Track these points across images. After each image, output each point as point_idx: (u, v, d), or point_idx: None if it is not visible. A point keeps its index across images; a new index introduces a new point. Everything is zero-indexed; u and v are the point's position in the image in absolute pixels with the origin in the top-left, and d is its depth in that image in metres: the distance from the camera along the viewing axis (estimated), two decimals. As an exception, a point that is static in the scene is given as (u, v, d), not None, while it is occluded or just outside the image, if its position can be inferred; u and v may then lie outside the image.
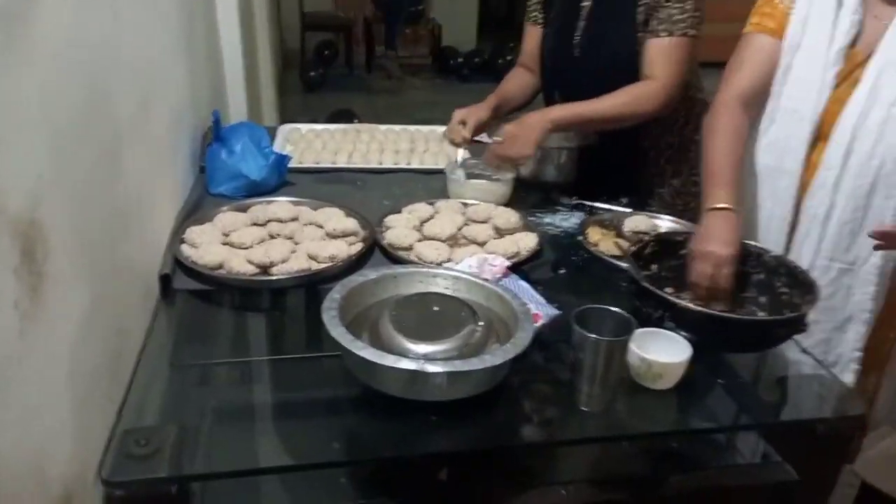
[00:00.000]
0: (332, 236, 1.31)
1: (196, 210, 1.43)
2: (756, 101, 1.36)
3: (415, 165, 1.76)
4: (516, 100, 1.78)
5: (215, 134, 1.53)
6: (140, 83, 1.16)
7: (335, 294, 1.02)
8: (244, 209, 1.42)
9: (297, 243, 1.32)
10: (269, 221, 1.39)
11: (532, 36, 1.77)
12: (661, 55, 1.51)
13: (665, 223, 1.50)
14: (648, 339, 1.01)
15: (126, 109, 1.07)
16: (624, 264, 1.21)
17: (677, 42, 1.50)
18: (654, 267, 1.25)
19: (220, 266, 1.20)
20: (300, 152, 1.76)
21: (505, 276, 1.16)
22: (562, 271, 1.32)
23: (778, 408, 1.06)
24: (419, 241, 1.33)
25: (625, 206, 1.60)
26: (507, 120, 1.65)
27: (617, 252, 1.35)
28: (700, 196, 1.32)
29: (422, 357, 0.93)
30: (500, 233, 1.39)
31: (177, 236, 1.28)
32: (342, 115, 4.83)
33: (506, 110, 1.77)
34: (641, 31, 1.52)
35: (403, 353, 0.93)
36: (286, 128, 1.96)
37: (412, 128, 2.02)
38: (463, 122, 1.62)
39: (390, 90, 6.89)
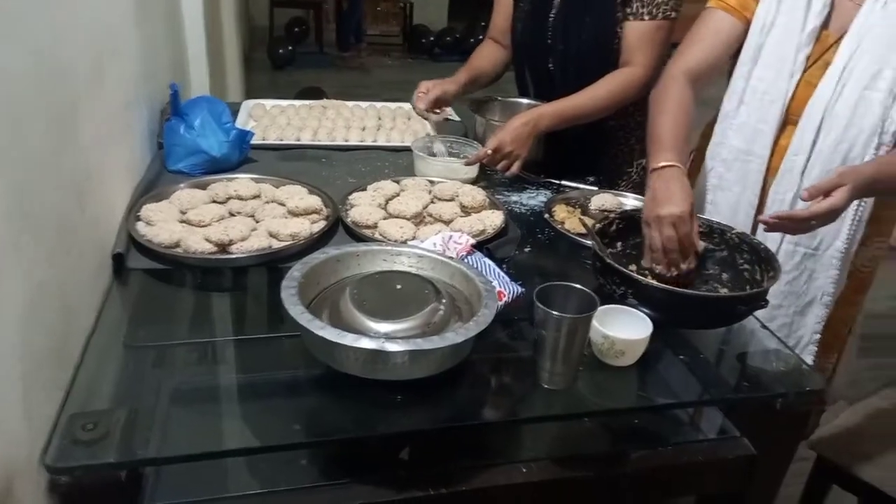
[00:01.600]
0: (295, 214, 1.28)
1: (153, 187, 1.39)
2: (704, 78, 1.35)
3: (381, 143, 1.74)
4: (487, 75, 1.76)
5: (174, 108, 1.49)
6: (95, 49, 1.12)
7: (295, 272, 0.99)
8: (203, 186, 1.38)
9: (258, 221, 1.29)
10: (229, 199, 1.35)
11: (503, 9, 1.74)
12: (642, 39, 1.49)
13: (631, 202, 1.50)
14: (611, 316, 1.00)
15: (79, 77, 1.02)
16: (588, 241, 1.20)
17: (659, 25, 1.48)
18: (618, 245, 1.25)
19: (177, 245, 1.17)
20: (263, 128, 1.72)
21: (469, 253, 1.14)
22: (527, 249, 1.31)
23: (738, 383, 1.06)
24: (384, 219, 1.30)
25: (591, 185, 1.59)
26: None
27: (582, 230, 1.34)
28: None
29: (383, 336, 0.91)
30: (466, 211, 1.38)
31: (132, 214, 1.24)
32: (311, 93, 4.75)
33: (477, 86, 1.75)
34: (620, 12, 1.50)
35: (364, 333, 0.91)
36: (250, 103, 1.91)
37: (379, 104, 1.99)
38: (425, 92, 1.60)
39: (360, 68, 6.80)
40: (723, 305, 1.08)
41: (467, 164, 1.50)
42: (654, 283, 1.07)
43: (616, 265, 1.06)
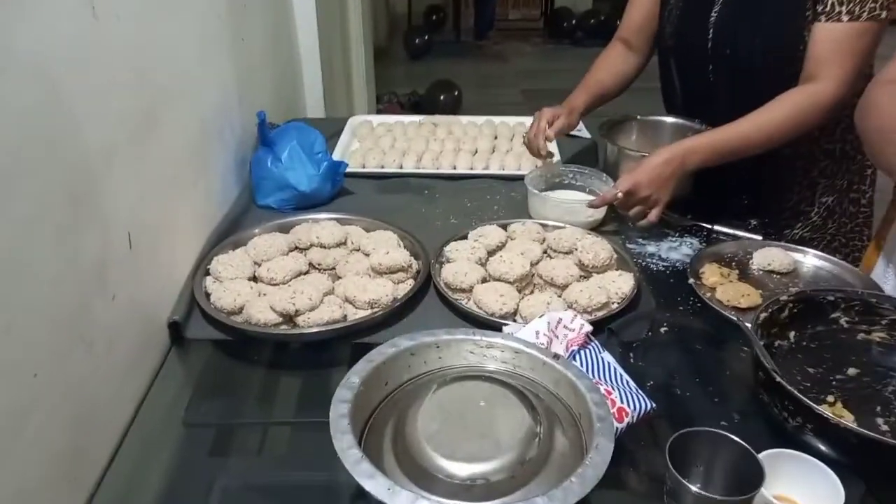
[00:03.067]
0: (378, 272, 1.09)
1: (235, 227, 1.25)
2: None
3: (493, 170, 1.50)
4: (609, 92, 1.47)
5: (262, 138, 1.34)
6: (143, 92, 0.97)
7: (353, 378, 0.79)
8: (286, 229, 1.22)
9: (338, 277, 1.11)
10: (311, 246, 1.18)
11: (642, 4, 1.43)
12: (836, 47, 1.13)
13: (811, 260, 1.15)
14: (778, 465, 0.71)
15: (104, 132, 0.87)
16: (748, 324, 0.90)
17: (862, 28, 1.12)
18: (791, 334, 0.94)
19: (242, 310, 1.01)
20: (364, 152, 1.54)
21: (584, 345, 0.89)
22: (664, 329, 1.03)
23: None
24: (482, 281, 1.07)
25: (754, 231, 1.26)
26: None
27: (742, 304, 1.03)
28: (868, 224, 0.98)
29: (458, 481, 0.69)
30: (587, 271, 1.11)
31: (202, 266, 1.10)
32: (443, 87, 4.60)
33: (596, 106, 1.46)
34: (810, 11, 1.15)
35: (431, 473, 0.69)
36: (356, 121, 1.74)
37: (497, 119, 1.75)
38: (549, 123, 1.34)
39: (497, 56, 6.55)
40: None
41: (591, 206, 1.23)
42: (852, 426, 0.75)
43: (790, 388, 0.76)
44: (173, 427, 0.91)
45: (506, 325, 0.98)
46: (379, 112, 3.69)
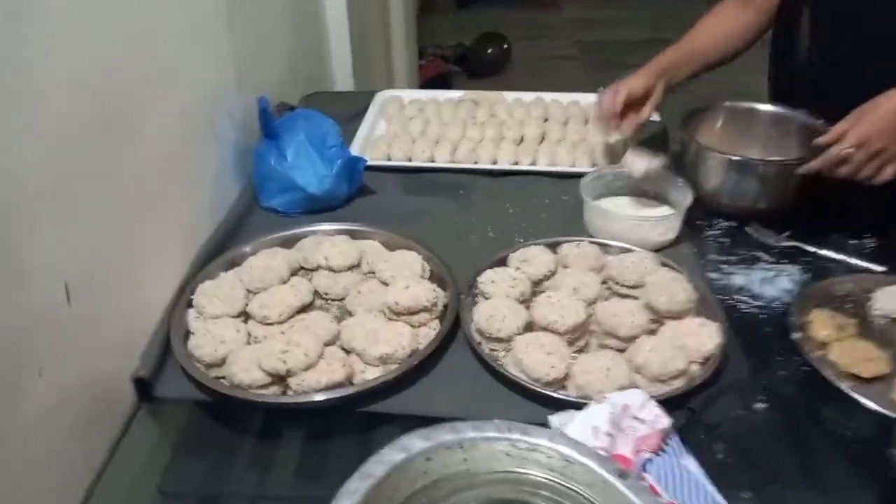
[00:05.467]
0: (396, 312, 0.87)
1: (230, 240, 1.05)
2: None
3: (542, 166, 1.25)
4: (710, 60, 1.19)
5: (264, 129, 1.12)
6: (104, 92, 0.76)
7: (353, 484, 0.59)
8: (291, 242, 1.02)
9: (348, 312, 0.90)
10: (318, 268, 0.97)
11: None
12: None
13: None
14: None
15: (35, 152, 0.67)
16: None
17: None
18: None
19: (223, 362, 0.82)
20: (391, 138, 1.31)
21: (658, 450, 0.67)
22: (760, 405, 0.79)
23: None
24: (525, 328, 0.85)
25: (875, 257, 1.00)
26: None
27: (863, 372, 0.79)
28: None
29: None
30: (659, 316, 0.88)
31: (184, 295, 0.91)
32: (491, 39, 4.27)
33: (694, 76, 1.19)
34: None
35: None
36: (384, 96, 1.50)
37: (548, 97, 1.48)
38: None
39: (551, 4, 6.12)
40: None
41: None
42: None
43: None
44: (147, 498, 0.74)
45: (552, 395, 0.76)
46: (421, 69, 3.42)
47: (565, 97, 1.48)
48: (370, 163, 1.22)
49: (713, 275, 0.99)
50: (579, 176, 1.18)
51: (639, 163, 1.09)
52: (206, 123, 1.06)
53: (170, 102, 0.93)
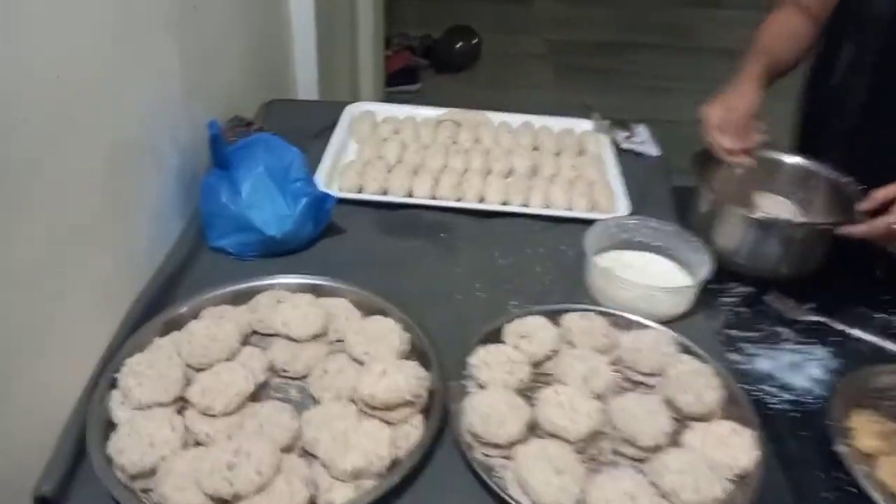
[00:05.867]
0: (371, 406, 0.72)
1: (168, 294, 0.87)
2: None
3: (535, 207, 1.10)
4: (783, 67, 1.08)
5: (215, 158, 0.94)
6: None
7: None
8: (243, 298, 0.85)
9: (313, 399, 0.75)
10: (276, 335, 0.81)
11: None
12: None
13: None
14: None
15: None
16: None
17: None
18: None
19: (153, 472, 0.65)
20: (363, 166, 1.14)
21: None
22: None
23: None
24: (527, 433, 0.70)
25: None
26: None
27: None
28: None
29: None
30: (681, 417, 0.74)
31: (105, 377, 0.73)
32: (461, 33, 4.10)
33: (770, 83, 1.06)
34: None
35: None
36: (355, 111, 1.33)
37: (537, 122, 1.33)
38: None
39: (520, -2, 5.97)
40: None
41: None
42: None
43: None
44: None
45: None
46: (388, 60, 3.23)
47: (554, 122, 1.34)
48: (340, 195, 1.06)
49: (735, 356, 0.87)
50: (576, 221, 1.06)
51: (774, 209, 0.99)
52: (142, 149, 0.87)
53: (92, 127, 0.74)
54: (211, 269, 0.94)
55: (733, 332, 0.91)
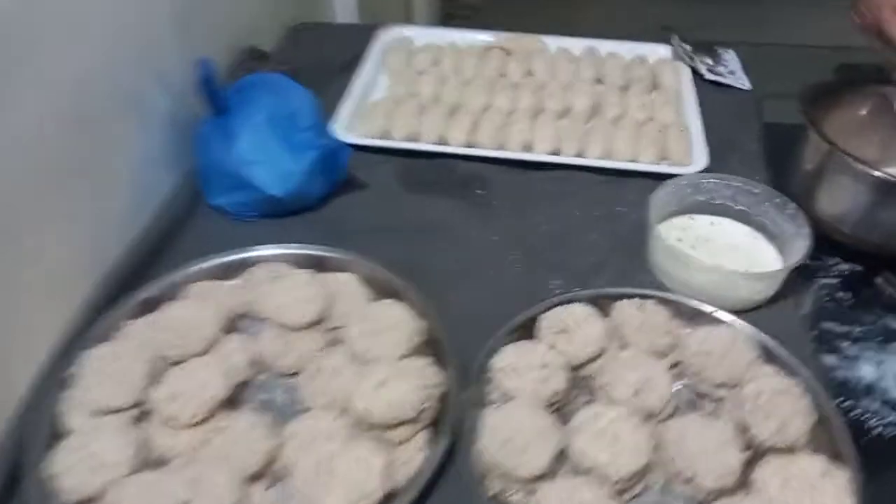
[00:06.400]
0: (368, 422, 0.59)
1: (150, 265, 0.76)
2: None
3: (592, 159, 0.92)
4: None
5: (212, 102, 0.79)
6: None
7: None
8: (235, 271, 0.73)
9: (306, 410, 0.62)
10: (266, 319, 0.69)
11: None
12: None
13: None
14: None
15: None
16: None
17: None
18: None
19: (100, 496, 0.55)
20: (391, 107, 0.98)
21: None
22: None
23: None
24: (556, 464, 0.56)
25: None
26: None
27: None
28: None
29: None
30: (758, 446, 0.58)
31: (55, 373, 0.62)
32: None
33: None
34: None
35: None
36: (387, 36, 1.15)
37: (605, 46, 1.12)
38: None
39: None
40: None
41: None
42: None
43: None
44: None
45: None
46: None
47: (627, 48, 1.12)
48: (362, 142, 0.91)
49: (829, 359, 0.69)
50: (642, 175, 0.87)
51: None
52: (117, 89, 0.74)
53: (48, 61, 0.61)
54: (207, 233, 0.81)
55: (829, 326, 0.73)
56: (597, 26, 1.18)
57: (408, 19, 2.07)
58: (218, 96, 0.79)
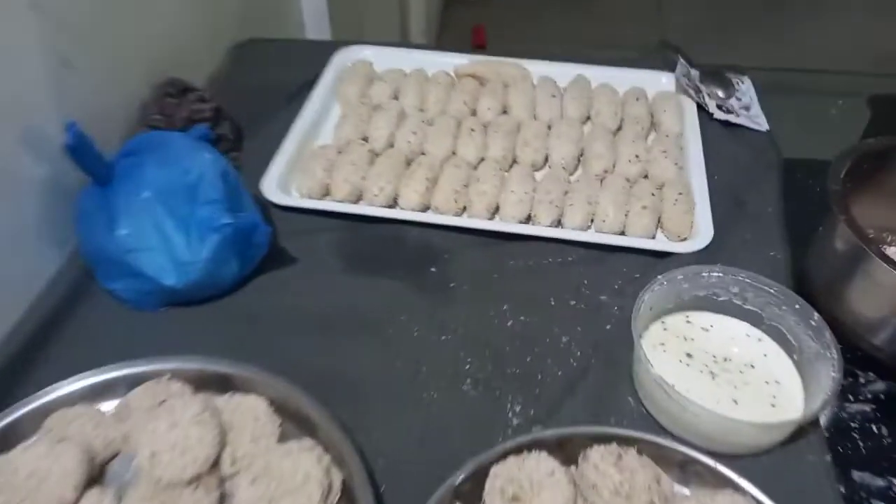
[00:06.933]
0: None
1: (11, 374, 0.61)
2: None
3: (571, 231, 0.76)
4: None
5: (87, 172, 0.64)
6: None
7: None
8: (108, 391, 0.58)
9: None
10: (142, 469, 0.54)
11: None
12: None
13: None
14: None
15: None
16: None
17: None
18: None
19: None
20: (336, 153, 0.82)
21: None
22: None
23: None
24: None
25: None
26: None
27: None
28: None
29: None
30: None
31: None
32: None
33: None
34: None
35: None
36: (344, 56, 0.99)
37: (589, 71, 0.95)
38: None
39: None
40: None
41: None
42: None
43: None
44: None
45: None
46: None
47: (622, 75, 0.95)
48: (294, 204, 0.76)
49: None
50: (632, 251, 0.72)
51: None
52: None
53: None
54: (97, 326, 0.67)
55: (862, 477, 0.57)
56: (600, 34, 1.00)
57: (403, 24, 1.89)
58: (95, 164, 0.63)
